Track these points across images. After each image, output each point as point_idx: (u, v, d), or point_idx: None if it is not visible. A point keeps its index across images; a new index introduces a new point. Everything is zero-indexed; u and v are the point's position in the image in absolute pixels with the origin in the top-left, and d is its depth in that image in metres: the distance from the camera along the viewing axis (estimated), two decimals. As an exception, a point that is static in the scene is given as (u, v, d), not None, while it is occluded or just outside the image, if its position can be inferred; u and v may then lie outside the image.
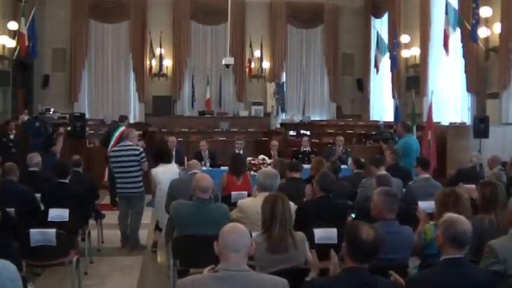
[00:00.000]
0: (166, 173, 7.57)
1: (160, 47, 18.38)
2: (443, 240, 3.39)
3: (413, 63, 16.33)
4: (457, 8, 12.96)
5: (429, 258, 4.32)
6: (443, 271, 3.34)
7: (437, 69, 15.08)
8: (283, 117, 18.94)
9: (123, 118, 11.82)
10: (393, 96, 16.23)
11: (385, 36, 17.31)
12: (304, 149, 12.08)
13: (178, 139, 12.51)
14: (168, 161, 7.90)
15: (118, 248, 8.00)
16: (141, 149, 7.98)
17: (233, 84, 19.17)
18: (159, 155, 8.05)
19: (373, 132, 15.74)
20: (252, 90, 19.19)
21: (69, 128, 10.86)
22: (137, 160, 7.83)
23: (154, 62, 18.53)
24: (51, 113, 13.66)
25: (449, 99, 14.66)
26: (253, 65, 19.11)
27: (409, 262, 4.44)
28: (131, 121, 16.34)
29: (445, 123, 13.79)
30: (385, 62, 17.22)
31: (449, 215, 3.56)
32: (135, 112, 18.44)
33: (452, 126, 13.42)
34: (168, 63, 18.66)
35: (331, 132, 15.73)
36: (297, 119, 18.33)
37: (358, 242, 3.12)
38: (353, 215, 5.65)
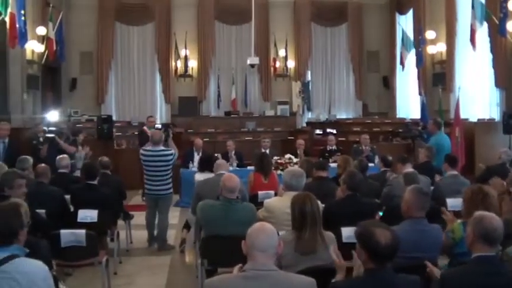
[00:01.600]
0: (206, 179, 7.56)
1: (186, 48, 18.45)
2: (474, 238, 3.36)
3: (440, 59, 16.13)
4: (483, 1, 12.75)
5: (458, 257, 4.29)
6: (476, 269, 3.30)
7: (464, 64, 14.87)
8: (309, 116, 18.87)
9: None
10: (420, 93, 16.07)
11: (410, 33, 17.12)
12: (331, 148, 12.06)
13: (205, 139, 12.59)
14: (212, 170, 7.59)
15: (146, 248, 8.09)
16: (173, 152, 8.03)
17: (258, 84, 19.14)
18: (205, 163, 8.14)
19: (400, 130, 15.65)
20: (277, 90, 19.14)
21: (61, 134, 10.90)
22: (169, 164, 7.93)
23: (179, 63, 18.61)
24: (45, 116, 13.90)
25: (476, 95, 14.44)
26: (278, 64, 19.07)
27: (438, 261, 4.40)
28: (158, 121, 16.48)
29: (473, 119, 13.61)
30: (411, 58, 17.05)
31: (479, 212, 3.52)
32: (161, 113, 18.54)
33: (481, 122, 13.26)
34: (193, 64, 18.72)
35: (357, 131, 15.68)
36: (323, 117, 18.26)
37: (378, 247, 3.07)
38: (381, 214, 5.62)
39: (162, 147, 8.01)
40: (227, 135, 15.00)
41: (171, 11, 18.47)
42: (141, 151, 8.15)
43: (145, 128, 12.01)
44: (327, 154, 11.68)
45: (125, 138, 15.21)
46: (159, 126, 12.51)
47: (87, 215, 6.12)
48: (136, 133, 13.55)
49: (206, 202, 5.49)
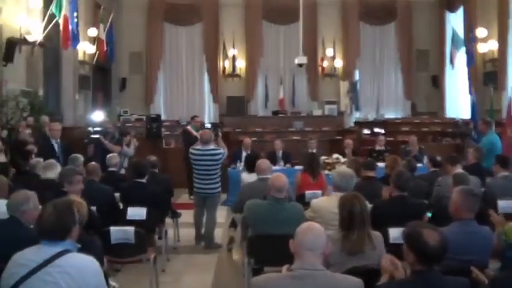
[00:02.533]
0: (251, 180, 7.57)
1: (233, 47, 18.57)
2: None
3: (491, 58, 15.73)
4: (538, -3, 12.40)
5: (511, 261, 4.18)
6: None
7: (517, 63, 14.50)
8: (357, 115, 18.69)
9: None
10: (470, 93, 15.74)
11: (460, 31, 16.79)
12: (379, 148, 11.94)
13: (253, 139, 12.61)
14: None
15: (194, 246, 8.17)
16: (222, 151, 8.10)
17: (306, 84, 19.08)
18: (252, 163, 8.12)
19: (450, 130, 15.37)
20: (325, 89, 19.05)
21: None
22: (218, 163, 8.02)
23: (227, 63, 18.73)
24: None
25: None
26: (326, 64, 18.97)
27: (489, 264, 4.30)
28: (206, 121, 16.66)
29: (527, 119, 13.24)
30: (461, 57, 16.72)
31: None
32: (209, 113, 18.72)
33: (534, 122, 12.88)
34: (241, 63, 18.82)
35: (406, 131, 15.44)
36: (371, 117, 18.12)
37: (426, 248, 3.02)
38: (429, 215, 5.53)
39: (212, 147, 8.08)
40: (275, 135, 15.01)
41: (219, 10, 18.61)
42: (191, 150, 8.25)
43: (189, 127, 12.13)
44: (375, 154, 11.56)
45: (173, 137, 15.38)
46: (209, 125, 12.63)
47: (137, 212, 6.22)
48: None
49: (254, 201, 5.49)
